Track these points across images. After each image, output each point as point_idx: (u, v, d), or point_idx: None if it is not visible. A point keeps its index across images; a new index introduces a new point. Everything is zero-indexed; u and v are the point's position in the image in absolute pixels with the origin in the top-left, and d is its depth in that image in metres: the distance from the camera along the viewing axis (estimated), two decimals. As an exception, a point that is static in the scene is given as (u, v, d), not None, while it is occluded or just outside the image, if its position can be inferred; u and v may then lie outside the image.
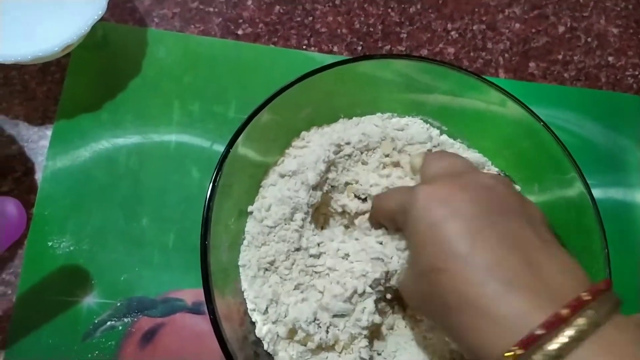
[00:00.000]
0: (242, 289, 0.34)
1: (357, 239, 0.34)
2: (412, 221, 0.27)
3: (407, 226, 0.27)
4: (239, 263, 0.34)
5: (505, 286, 0.22)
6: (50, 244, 0.38)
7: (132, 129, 0.42)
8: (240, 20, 0.46)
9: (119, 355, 0.36)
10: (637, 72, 0.50)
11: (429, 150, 0.37)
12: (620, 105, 0.49)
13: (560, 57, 0.49)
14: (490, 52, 0.49)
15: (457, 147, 0.38)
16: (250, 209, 0.35)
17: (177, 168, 0.41)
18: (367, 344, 0.32)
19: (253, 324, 0.33)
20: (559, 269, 0.23)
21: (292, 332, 0.33)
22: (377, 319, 0.32)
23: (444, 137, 0.39)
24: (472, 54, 0.48)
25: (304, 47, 0.46)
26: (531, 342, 0.20)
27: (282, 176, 0.36)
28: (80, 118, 0.41)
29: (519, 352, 0.20)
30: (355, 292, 0.32)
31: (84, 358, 0.36)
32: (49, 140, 0.41)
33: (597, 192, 0.45)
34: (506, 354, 0.21)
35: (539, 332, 0.20)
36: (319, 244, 0.34)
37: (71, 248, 0.38)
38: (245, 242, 0.35)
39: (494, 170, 0.38)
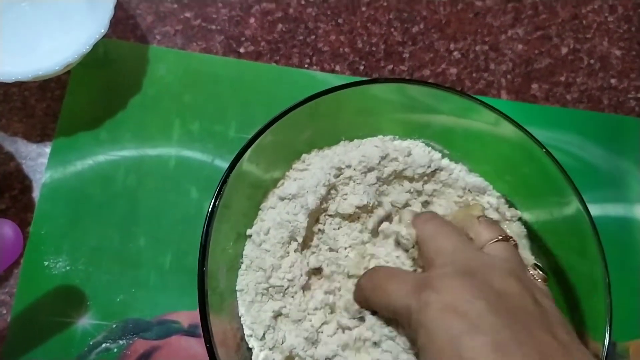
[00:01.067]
0: (239, 314, 0.34)
1: None
2: (426, 332, 0.25)
3: (418, 334, 0.25)
4: (237, 288, 0.34)
5: None
6: (46, 263, 0.38)
7: (131, 148, 0.41)
8: (243, 39, 0.46)
9: (113, 378, 0.36)
10: (639, 95, 0.49)
11: (418, 211, 0.36)
12: (622, 128, 0.48)
13: (562, 78, 0.49)
14: (493, 73, 0.48)
15: (459, 170, 0.38)
16: (249, 232, 0.35)
17: (175, 187, 0.41)
18: None
19: (250, 350, 0.33)
20: None
21: (289, 359, 0.32)
22: None
23: (445, 160, 0.38)
24: (474, 74, 0.48)
25: (306, 65, 0.46)
26: None
27: (282, 199, 0.35)
28: (79, 136, 0.41)
29: None
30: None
31: (78, 381, 0.36)
32: (47, 157, 0.40)
33: (598, 216, 0.45)
34: None
35: None
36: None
37: (67, 268, 0.38)
38: (243, 266, 0.35)
39: (495, 194, 0.38)
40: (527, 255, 0.36)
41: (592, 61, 0.50)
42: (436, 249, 0.29)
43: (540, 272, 0.30)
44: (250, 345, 0.33)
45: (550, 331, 0.24)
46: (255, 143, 0.33)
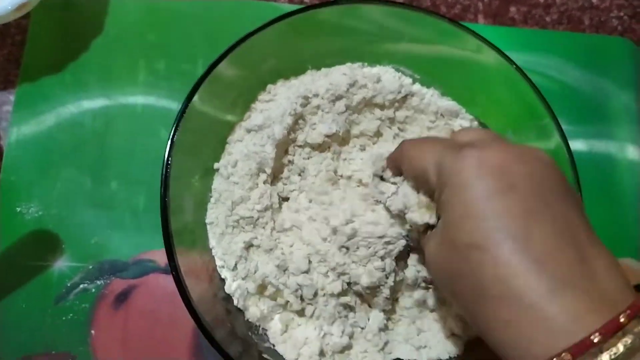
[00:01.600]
0: (211, 247, 0.34)
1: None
2: (456, 187, 0.23)
3: (447, 188, 0.24)
4: (206, 221, 0.34)
5: (558, 283, 0.20)
6: (18, 209, 0.38)
7: (97, 91, 0.40)
8: (206, -27, 0.44)
9: (92, 317, 0.36)
10: (622, 14, 0.48)
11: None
12: (604, 48, 0.47)
13: (541, 0, 0.47)
14: (469, -3, 0.47)
15: (430, 95, 0.37)
16: (216, 165, 0.35)
17: (145, 129, 0.40)
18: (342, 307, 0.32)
19: (223, 280, 0.33)
20: (607, 269, 0.21)
21: (261, 288, 0.33)
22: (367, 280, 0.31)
23: (417, 85, 0.38)
24: (449, -1, 0.46)
25: (273, -2, 0.44)
26: (584, 349, 0.19)
27: (248, 131, 0.35)
28: (43, 81, 0.40)
29: (567, 357, 0.19)
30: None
31: (58, 321, 0.36)
32: (12, 104, 0.40)
33: (579, 141, 0.44)
34: (560, 355, 0.19)
35: (595, 338, 0.19)
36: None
37: (40, 213, 0.38)
38: (212, 200, 0.34)
39: (468, 117, 0.37)
40: None
41: (572, -20, 0.48)
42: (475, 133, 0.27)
43: None
44: (222, 276, 0.33)
45: (585, 219, 0.23)
46: (216, 74, 0.32)
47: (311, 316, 0.32)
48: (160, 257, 0.38)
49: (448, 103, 0.37)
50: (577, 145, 0.44)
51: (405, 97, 0.37)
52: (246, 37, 0.33)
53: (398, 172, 0.30)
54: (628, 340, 0.19)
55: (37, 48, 0.41)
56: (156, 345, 0.36)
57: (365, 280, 0.30)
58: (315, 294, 0.32)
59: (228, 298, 0.33)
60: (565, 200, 0.23)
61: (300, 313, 0.33)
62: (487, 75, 0.36)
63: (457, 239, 0.22)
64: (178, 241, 0.30)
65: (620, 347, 0.19)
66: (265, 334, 0.33)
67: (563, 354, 0.19)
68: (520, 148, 0.24)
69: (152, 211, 0.38)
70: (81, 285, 0.37)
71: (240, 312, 0.33)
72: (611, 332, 0.19)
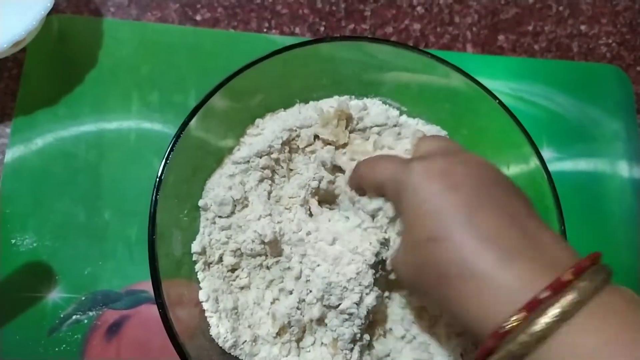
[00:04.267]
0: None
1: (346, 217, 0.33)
2: (409, 193, 0.26)
3: (401, 197, 0.27)
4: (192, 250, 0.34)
5: (507, 254, 0.22)
6: (13, 241, 0.38)
7: (91, 122, 0.41)
8: (199, 5, 0.45)
9: (85, 348, 0.37)
10: (610, 41, 0.48)
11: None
12: (593, 76, 0.47)
13: (530, 28, 0.48)
14: (458, 27, 0.47)
15: (416, 124, 0.38)
16: (200, 202, 0.35)
17: (138, 160, 0.41)
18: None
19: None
20: (553, 240, 0.24)
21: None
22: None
23: (404, 117, 0.38)
24: (438, 29, 0.47)
25: (265, 30, 0.45)
26: (535, 307, 0.21)
27: (235, 164, 0.35)
28: (38, 113, 0.41)
29: (522, 316, 0.21)
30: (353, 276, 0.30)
31: (51, 352, 0.36)
32: (8, 137, 0.41)
33: (568, 165, 0.45)
34: (512, 318, 0.21)
35: (543, 295, 0.21)
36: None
37: (34, 245, 0.38)
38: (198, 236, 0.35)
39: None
40: None
41: (560, 8, 0.49)
42: (421, 149, 0.30)
43: None
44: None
45: (525, 203, 0.25)
46: (205, 108, 0.33)
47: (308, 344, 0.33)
48: (152, 287, 0.38)
49: (433, 128, 0.38)
50: (566, 170, 0.45)
51: (393, 128, 0.37)
52: (236, 74, 0.34)
53: (361, 192, 0.33)
54: (574, 294, 0.21)
55: (32, 81, 0.42)
56: (147, 375, 0.36)
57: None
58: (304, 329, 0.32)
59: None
60: (508, 195, 0.25)
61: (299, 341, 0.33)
62: (470, 106, 0.36)
63: (418, 236, 0.25)
64: (167, 274, 0.30)
65: (568, 299, 0.20)
66: None
67: (518, 315, 0.21)
68: (461, 156, 0.27)
69: (145, 242, 0.38)
70: (74, 317, 0.37)
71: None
72: (559, 288, 0.21)
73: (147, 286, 0.38)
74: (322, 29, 0.46)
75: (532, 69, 0.47)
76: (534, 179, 0.34)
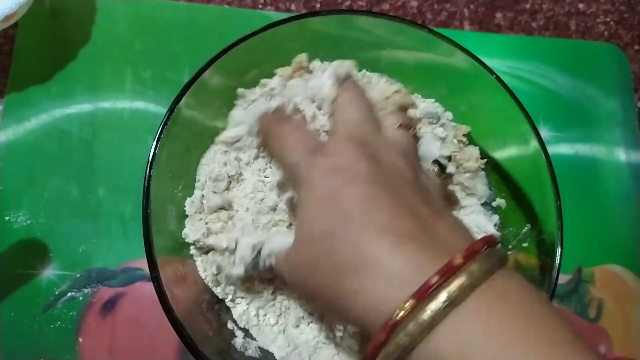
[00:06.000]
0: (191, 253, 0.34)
1: None
2: (308, 187, 0.26)
3: (299, 188, 0.27)
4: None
5: (399, 241, 0.22)
6: (7, 218, 0.38)
7: (84, 99, 0.41)
8: (193, -19, 0.45)
9: (80, 325, 0.37)
10: (608, 19, 0.48)
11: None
12: (591, 54, 0.47)
13: (528, 6, 0.48)
14: (455, 4, 0.47)
15: (413, 97, 0.37)
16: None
17: (132, 137, 0.40)
18: None
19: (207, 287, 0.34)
20: (449, 229, 0.23)
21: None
22: None
23: (400, 93, 0.38)
24: (436, 6, 0.47)
25: (260, 6, 0.45)
26: (424, 293, 0.20)
27: (225, 143, 0.35)
28: (30, 90, 0.41)
29: (411, 304, 0.20)
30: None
31: (46, 329, 0.36)
32: (0, 115, 0.40)
33: (565, 146, 0.45)
34: (403, 306, 0.20)
35: (433, 280, 0.20)
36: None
37: (28, 222, 0.38)
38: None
39: (450, 123, 0.37)
40: (436, 152, 0.34)
41: (559, -14, 0.48)
42: (343, 118, 0.29)
43: (437, 168, 0.31)
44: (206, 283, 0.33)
45: (424, 198, 0.25)
46: (197, 84, 0.33)
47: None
48: (147, 265, 0.38)
49: (430, 104, 0.37)
50: (562, 150, 0.44)
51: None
52: (232, 46, 0.33)
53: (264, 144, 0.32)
54: (463, 278, 0.20)
55: (24, 57, 0.41)
56: (143, 352, 0.37)
57: None
58: None
59: (211, 303, 0.33)
60: (403, 186, 0.25)
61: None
62: (468, 83, 0.36)
63: (312, 231, 0.25)
64: (162, 250, 0.30)
65: (457, 283, 0.20)
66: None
67: (408, 302, 0.20)
68: (369, 149, 0.26)
69: (139, 219, 0.38)
70: (69, 294, 0.37)
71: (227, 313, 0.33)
72: (448, 273, 0.20)
73: (142, 264, 0.38)
74: (318, 5, 0.45)
75: (529, 47, 0.46)
76: (531, 157, 0.34)
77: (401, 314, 0.20)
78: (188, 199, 0.34)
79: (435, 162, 0.32)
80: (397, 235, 0.22)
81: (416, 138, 0.32)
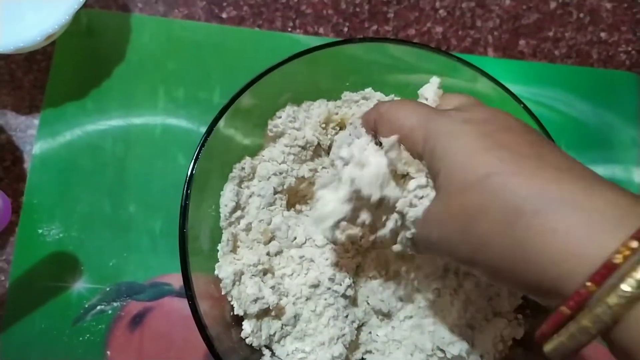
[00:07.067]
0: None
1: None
2: (451, 139, 0.23)
3: (437, 147, 0.23)
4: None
5: (588, 183, 0.19)
6: (40, 231, 0.39)
7: (117, 116, 0.42)
8: (225, 4, 0.46)
9: (108, 338, 0.37)
10: (630, 48, 0.49)
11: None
12: (612, 83, 0.48)
13: (551, 34, 0.48)
14: (479, 31, 0.48)
15: None
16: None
17: (163, 154, 0.41)
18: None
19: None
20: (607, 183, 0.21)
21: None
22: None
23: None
24: (460, 32, 0.48)
25: (289, 29, 0.46)
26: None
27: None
28: (66, 106, 0.42)
29: (635, 246, 0.17)
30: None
31: (75, 341, 0.37)
32: (36, 129, 0.41)
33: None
34: (621, 248, 0.17)
35: None
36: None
37: (60, 235, 0.39)
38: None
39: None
40: None
41: (581, 15, 0.49)
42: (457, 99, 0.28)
43: None
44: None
45: (560, 151, 0.23)
46: (233, 107, 0.34)
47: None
48: (175, 280, 0.39)
49: None
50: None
51: None
52: (264, 74, 0.34)
53: (367, 130, 0.28)
54: None
55: (61, 74, 0.43)
56: (169, 366, 0.37)
57: None
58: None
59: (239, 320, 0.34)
60: (544, 142, 0.23)
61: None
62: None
63: (469, 176, 0.22)
64: (195, 268, 0.31)
65: None
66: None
67: (628, 244, 0.17)
68: (493, 109, 0.25)
69: (169, 235, 0.40)
70: (98, 307, 0.38)
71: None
72: None
73: (170, 279, 0.39)
74: (345, 29, 0.46)
75: (551, 74, 0.47)
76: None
77: (621, 257, 0.17)
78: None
79: None
80: (583, 177, 0.20)
81: None
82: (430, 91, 0.30)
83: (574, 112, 0.46)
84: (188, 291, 0.30)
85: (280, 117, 0.36)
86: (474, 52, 0.47)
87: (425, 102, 0.30)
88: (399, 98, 0.38)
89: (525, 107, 0.35)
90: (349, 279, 0.34)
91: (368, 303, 0.34)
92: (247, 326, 0.33)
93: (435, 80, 0.31)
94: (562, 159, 0.21)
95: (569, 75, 0.47)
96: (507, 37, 0.48)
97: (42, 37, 0.38)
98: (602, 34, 0.49)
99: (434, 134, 0.24)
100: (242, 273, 0.33)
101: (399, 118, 0.26)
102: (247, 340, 0.32)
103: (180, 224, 0.31)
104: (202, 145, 0.32)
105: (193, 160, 0.32)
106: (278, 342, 0.33)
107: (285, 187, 0.36)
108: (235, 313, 0.33)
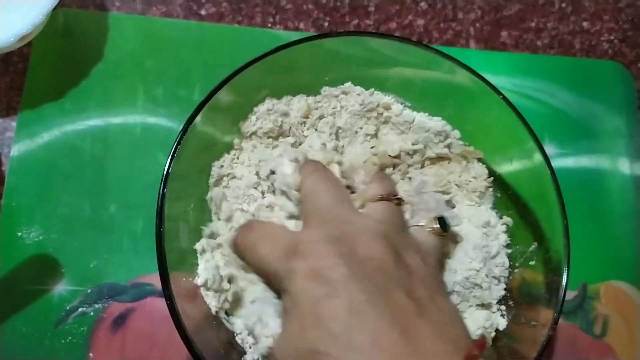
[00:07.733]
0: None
1: None
2: (290, 297, 0.27)
3: (283, 298, 0.28)
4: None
5: None
6: (19, 234, 0.39)
7: (96, 116, 0.41)
8: (203, 0, 0.45)
9: (91, 340, 0.37)
10: (612, 37, 0.49)
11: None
12: (595, 72, 0.48)
13: (533, 24, 0.48)
14: (461, 23, 0.48)
15: (419, 117, 0.38)
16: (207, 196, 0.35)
17: (143, 154, 0.41)
18: None
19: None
20: (436, 333, 0.24)
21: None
22: None
23: (407, 111, 0.38)
24: (442, 25, 0.47)
25: (269, 25, 0.46)
26: None
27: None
28: (44, 107, 0.41)
29: None
30: None
31: (57, 344, 0.37)
32: (14, 131, 0.41)
33: (569, 161, 0.45)
34: None
35: None
36: None
37: (40, 237, 0.39)
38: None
39: (458, 142, 0.38)
40: (439, 207, 0.35)
41: (563, 4, 0.49)
42: (313, 207, 0.30)
43: (437, 226, 0.31)
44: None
45: (406, 290, 0.25)
46: (210, 103, 0.33)
47: None
48: (157, 280, 0.38)
49: (438, 123, 0.38)
50: (568, 166, 0.45)
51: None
52: (245, 66, 0.34)
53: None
54: None
55: (38, 75, 0.42)
56: (153, 367, 0.37)
57: None
58: None
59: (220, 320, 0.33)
60: (390, 281, 0.25)
61: None
62: (474, 101, 0.37)
63: (300, 347, 0.25)
64: (173, 267, 0.31)
65: None
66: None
67: None
68: (346, 245, 0.27)
69: (150, 235, 0.38)
70: (80, 309, 0.38)
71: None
72: None
73: (152, 279, 0.39)
74: (326, 24, 0.46)
75: (534, 65, 0.47)
76: (537, 175, 0.35)
77: None
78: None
79: (437, 219, 0.32)
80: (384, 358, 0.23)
81: (401, 202, 0.32)
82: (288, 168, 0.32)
83: (557, 102, 0.46)
84: (166, 290, 0.30)
85: (258, 112, 0.36)
86: (455, 45, 0.47)
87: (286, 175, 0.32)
88: (379, 93, 0.38)
89: (504, 98, 0.35)
90: None
91: None
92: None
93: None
94: (374, 328, 0.24)
95: (552, 65, 0.47)
96: (488, 28, 0.48)
97: (15, 38, 0.37)
98: (585, 24, 0.49)
99: (282, 284, 0.27)
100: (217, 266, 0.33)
101: (255, 258, 0.31)
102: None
103: (157, 224, 0.31)
104: (179, 143, 0.32)
105: (169, 159, 0.32)
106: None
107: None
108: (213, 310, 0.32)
